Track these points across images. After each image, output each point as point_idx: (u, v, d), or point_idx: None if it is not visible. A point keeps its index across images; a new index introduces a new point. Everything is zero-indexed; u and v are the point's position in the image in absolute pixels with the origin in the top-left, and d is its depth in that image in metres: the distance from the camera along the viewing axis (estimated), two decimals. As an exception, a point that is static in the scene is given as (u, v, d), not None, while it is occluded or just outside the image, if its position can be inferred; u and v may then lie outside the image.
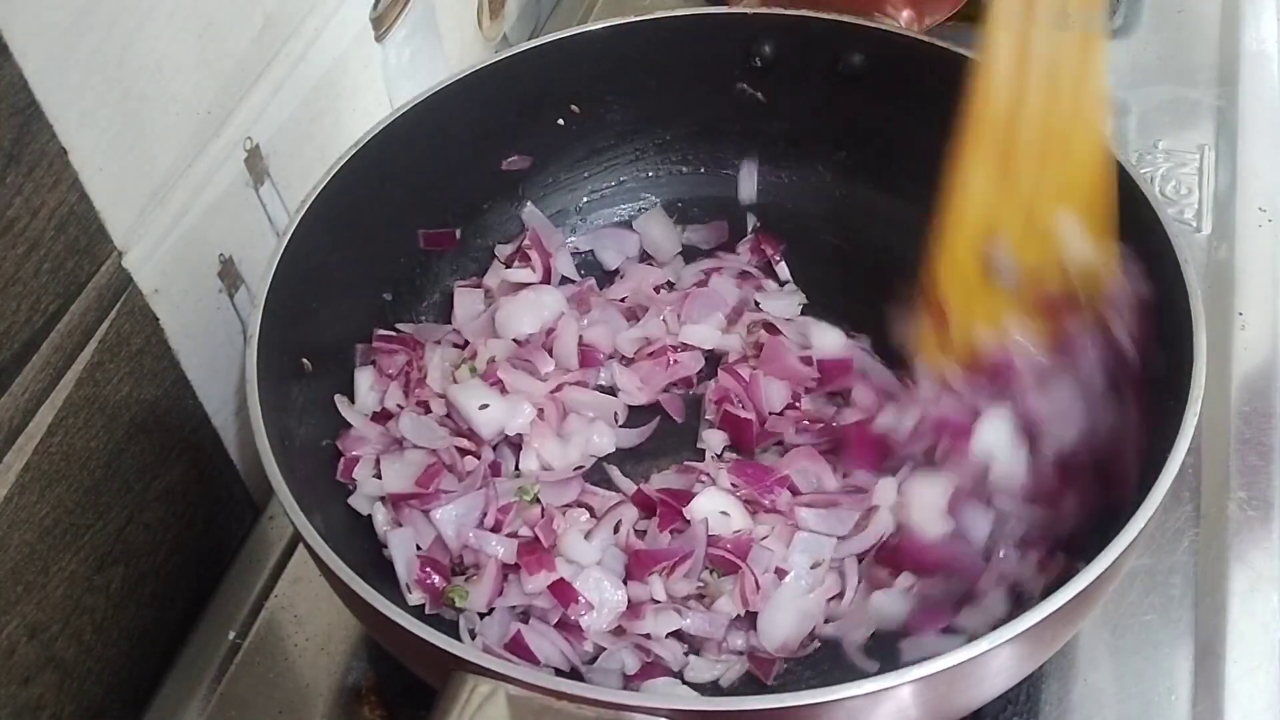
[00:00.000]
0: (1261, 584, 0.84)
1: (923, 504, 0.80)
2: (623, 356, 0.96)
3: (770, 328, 0.95)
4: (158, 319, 0.82)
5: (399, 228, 0.95)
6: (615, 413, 0.93)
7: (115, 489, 0.80)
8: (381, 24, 1.02)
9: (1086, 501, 0.77)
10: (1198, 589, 0.84)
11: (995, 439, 0.78)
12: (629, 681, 0.78)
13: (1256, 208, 1.06)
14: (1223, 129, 1.14)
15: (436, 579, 0.81)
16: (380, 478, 0.85)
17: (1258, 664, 0.80)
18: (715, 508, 0.83)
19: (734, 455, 0.90)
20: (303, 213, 0.83)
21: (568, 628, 0.79)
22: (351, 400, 0.90)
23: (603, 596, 0.80)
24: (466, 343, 0.95)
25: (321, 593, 0.87)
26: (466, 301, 0.97)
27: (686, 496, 0.84)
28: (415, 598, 0.81)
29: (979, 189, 0.80)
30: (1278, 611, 0.82)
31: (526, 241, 0.99)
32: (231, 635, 0.87)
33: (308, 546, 0.69)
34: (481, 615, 0.81)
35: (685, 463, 0.89)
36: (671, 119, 1.02)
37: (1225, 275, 1.01)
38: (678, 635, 0.80)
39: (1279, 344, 0.96)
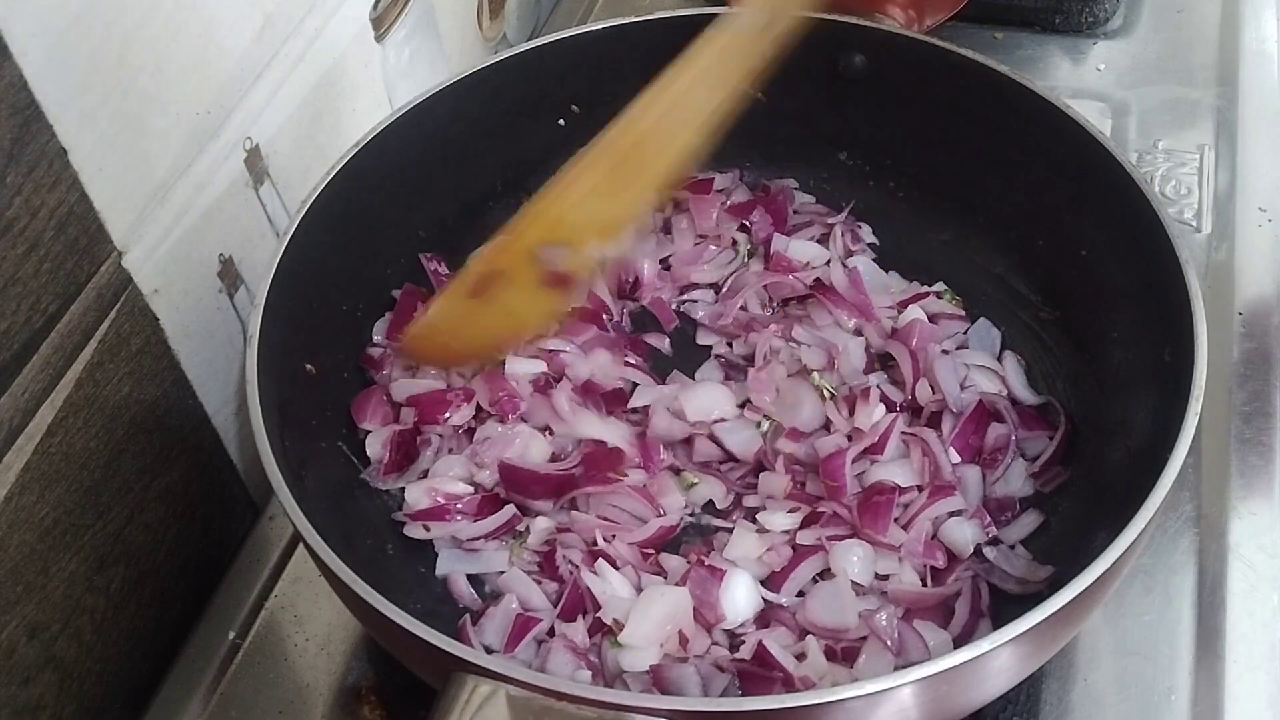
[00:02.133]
0: (1261, 584, 0.84)
1: None
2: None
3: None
4: (157, 319, 0.82)
5: (400, 228, 0.95)
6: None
7: (115, 489, 0.80)
8: (381, 24, 1.02)
9: None
10: (1198, 589, 0.84)
11: None
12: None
13: (1256, 208, 1.06)
14: (1223, 129, 1.14)
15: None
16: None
17: (1257, 664, 0.80)
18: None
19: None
20: (303, 213, 0.83)
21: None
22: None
23: None
24: None
25: (321, 593, 0.87)
26: None
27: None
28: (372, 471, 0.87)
29: (574, 199, 0.82)
30: (1277, 611, 0.82)
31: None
32: (231, 635, 0.87)
33: (308, 546, 0.69)
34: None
35: None
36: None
37: (1225, 275, 1.01)
38: None
39: (1279, 344, 0.96)
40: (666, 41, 0.96)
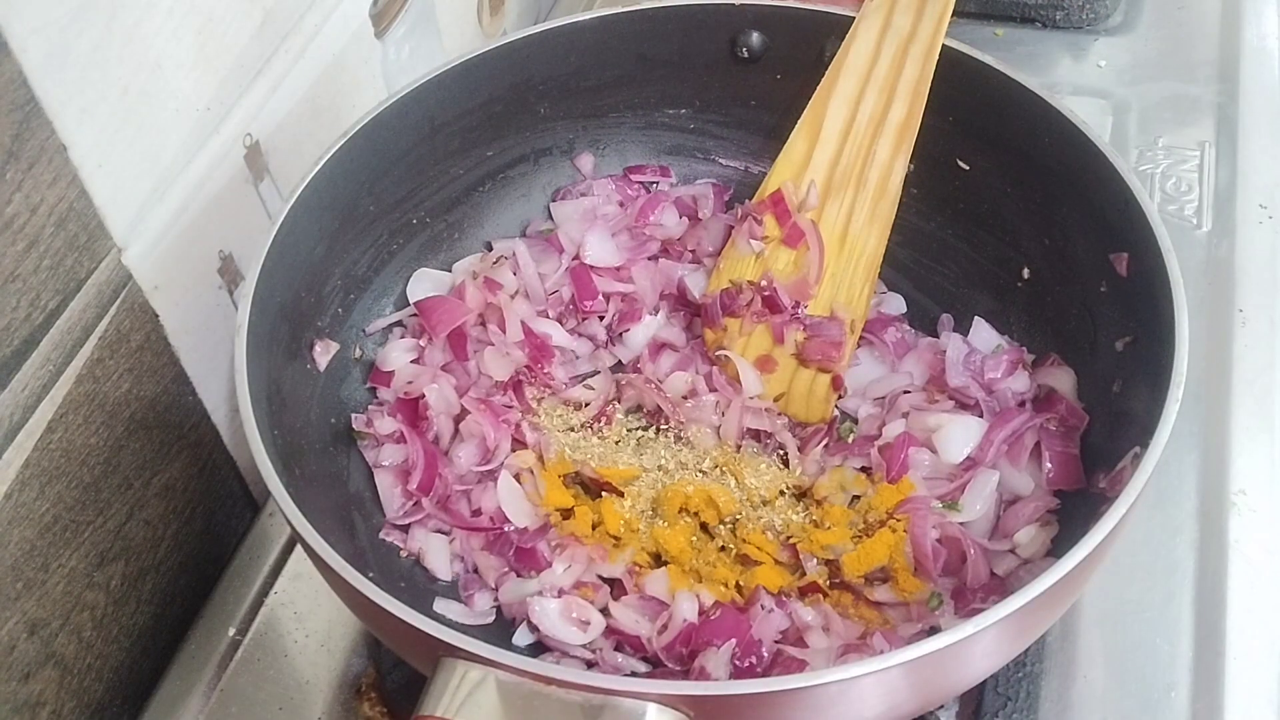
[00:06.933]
0: (1261, 580, 0.84)
1: None
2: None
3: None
4: (157, 315, 0.82)
5: (391, 217, 0.94)
6: None
7: (115, 485, 0.80)
8: (381, 20, 1.02)
9: None
10: (1198, 585, 0.84)
11: None
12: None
13: (1257, 204, 1.06)
14: (1223, 126, 1.14)
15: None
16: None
17: (1257, 660, 0.80)
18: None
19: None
20: (292, 203, 0.81)
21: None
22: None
23: None
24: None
25: (321, 589, 0.87)
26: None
27: None
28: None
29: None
30: (1278, 607, 0.83)
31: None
32: (232, 632, 0.87)
33: (298, 534, 0.68)
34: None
35: None
36: (658, 109, 1.02)
37: (1226, 272, 1.01)
38: None
39: (1279, 340, 0.96)
40: (652, 32, 0.97)
